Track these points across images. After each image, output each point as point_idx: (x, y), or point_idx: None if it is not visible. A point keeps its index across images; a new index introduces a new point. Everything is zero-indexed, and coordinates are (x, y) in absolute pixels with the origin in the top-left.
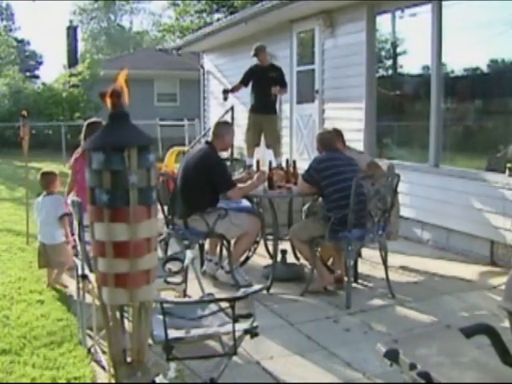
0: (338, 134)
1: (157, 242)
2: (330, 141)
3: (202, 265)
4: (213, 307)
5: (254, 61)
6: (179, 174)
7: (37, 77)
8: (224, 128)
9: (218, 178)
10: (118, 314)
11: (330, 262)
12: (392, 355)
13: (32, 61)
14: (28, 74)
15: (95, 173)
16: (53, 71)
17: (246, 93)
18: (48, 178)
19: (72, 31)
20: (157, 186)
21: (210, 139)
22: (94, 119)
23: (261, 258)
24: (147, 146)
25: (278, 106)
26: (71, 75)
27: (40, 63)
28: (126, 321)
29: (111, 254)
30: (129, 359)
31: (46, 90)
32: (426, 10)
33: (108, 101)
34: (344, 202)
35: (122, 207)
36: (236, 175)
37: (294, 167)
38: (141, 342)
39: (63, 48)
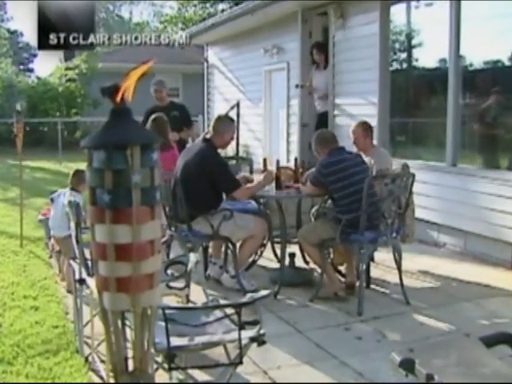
0: (370, 129)
1: (160, 245)
2: (333, 139)
3: (205, 269)
4: (217, 313)
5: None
6: (179, 175)
7: (31, 70)
8: (226, 124)
9: (222, 180)
10: (119, 321)
11: (343, 268)
12: (407, 365)
13: (26, 53)
14: (22, 67)
15: (96, 172)
16: (48, 64)
17: (251, 87)
18: (80, 177)
19: None
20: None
21: (209, 136)
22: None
23: (268, 262)
24: (151, 144)
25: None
26: (67, 69)
27: (34, 56)
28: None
29: (113, 256)
30: (130, 368)
31: (40, 84)
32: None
33: (117, 96)
34: (355, 205)
35: (125, 208)
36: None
37: (303, 166)
38: (143, 350)
39: None
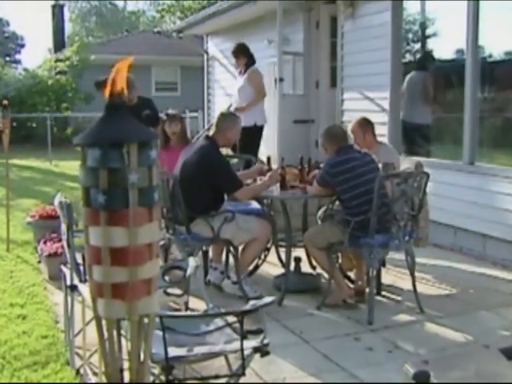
0: (368, 125)
1: (159, 248)
2: (343, 136)
3: (205, 274)
4: (218, 322)
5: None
6: (178, 174)
7: (18, 62)
8: (229, 121)
9: (223, 180)
10: (114, 330)
11: (352, 274)
12: (422, 378)
13: (12, 43)
14: (8, 58)
15: (90, 171)
16: (36, 56)
17: None
18: None
19: (58, 10)
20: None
21: (211, 133)
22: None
23: (272, 267)
24: (149, 141)
25: None
26: (57, 60)
27: (21, 46)
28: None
29: (108, 261)
30: (126, 380)
31: (28, 76)
32: None
33: (107, 90)
34: (365, 207)
35: (121, 209)
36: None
37: (310, 165)
38: (140, 361)
39: (48, 29)
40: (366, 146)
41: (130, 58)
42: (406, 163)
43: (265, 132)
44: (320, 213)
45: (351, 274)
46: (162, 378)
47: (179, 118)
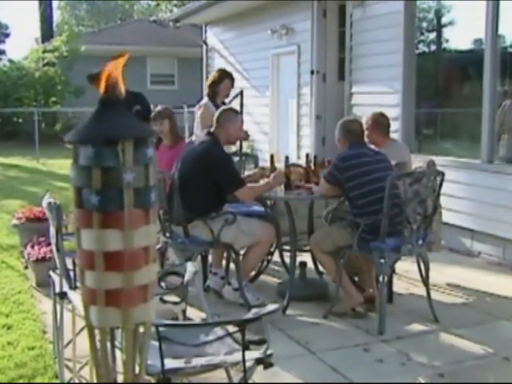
0: (384, 121)
1: (156, 253)
2: (359, 133)
3: (205, 280)
4: (218, 331)
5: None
6: (177, 172)
7: (2, 52)
8: (229, 116)
9: (223, 176)
10: (108, 340)
11: (357, 278)
12: None
13: None
14: None
15: (83, 170)
16: (22, 46)
17: (256, 74)
18: None
19: None
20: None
21: (212, 129)
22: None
23: (275, 273)
24: (145, 138)
25: None
26: (45, 51)
27: (6, 36)
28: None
29: (101, 266)
30: None
31: (14, 68)
32: None
33: (100, 83)
34: (374, 207)
35: (115, 211)
36: (246, 172)
37: (316, 163)
38: (135, 373)
39: (35, 18)
40: (377, 143)
41: (125, 54)
42: (417, 162)
43: (267, 128)
44: (325, 212)
45: (355, 278)
46: None
47: (167, 115)
